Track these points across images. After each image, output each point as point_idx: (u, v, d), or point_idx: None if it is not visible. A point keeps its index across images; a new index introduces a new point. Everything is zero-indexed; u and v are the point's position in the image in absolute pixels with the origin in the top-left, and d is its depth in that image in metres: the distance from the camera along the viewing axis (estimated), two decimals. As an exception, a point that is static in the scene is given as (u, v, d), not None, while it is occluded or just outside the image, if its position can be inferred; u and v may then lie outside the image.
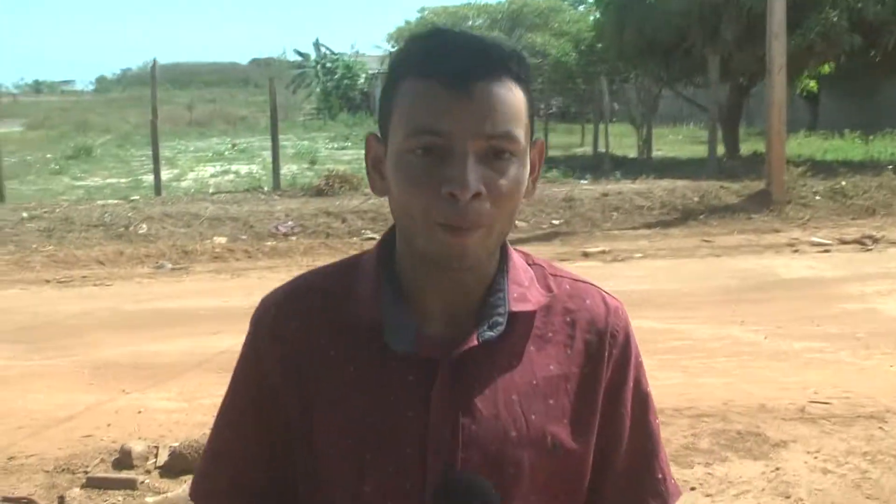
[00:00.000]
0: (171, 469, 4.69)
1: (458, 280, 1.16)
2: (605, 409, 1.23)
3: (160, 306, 8.55)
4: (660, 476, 1.29)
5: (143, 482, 4.57)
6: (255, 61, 75.28)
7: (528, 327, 1.20)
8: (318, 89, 44.64)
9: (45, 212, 12.45)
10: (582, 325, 1.23)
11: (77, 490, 4.52)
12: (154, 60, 17.62)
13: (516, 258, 1.24)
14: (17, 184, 17.82)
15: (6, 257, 10.61)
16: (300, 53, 47.47)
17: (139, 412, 5.58)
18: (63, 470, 4.78)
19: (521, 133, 1.11)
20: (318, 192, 14.14)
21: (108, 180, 19.18)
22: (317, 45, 46.31)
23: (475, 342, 1.15)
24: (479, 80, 1.07)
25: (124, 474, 4.66)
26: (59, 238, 11.28)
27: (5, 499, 4.48)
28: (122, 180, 18.88)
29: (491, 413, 1.15)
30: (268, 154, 16.16)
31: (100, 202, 13.93)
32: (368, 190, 11.55)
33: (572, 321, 1.23)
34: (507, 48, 1.13)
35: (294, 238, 12.02)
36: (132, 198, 14.55)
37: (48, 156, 24.99)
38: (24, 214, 12.32)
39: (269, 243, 11.76)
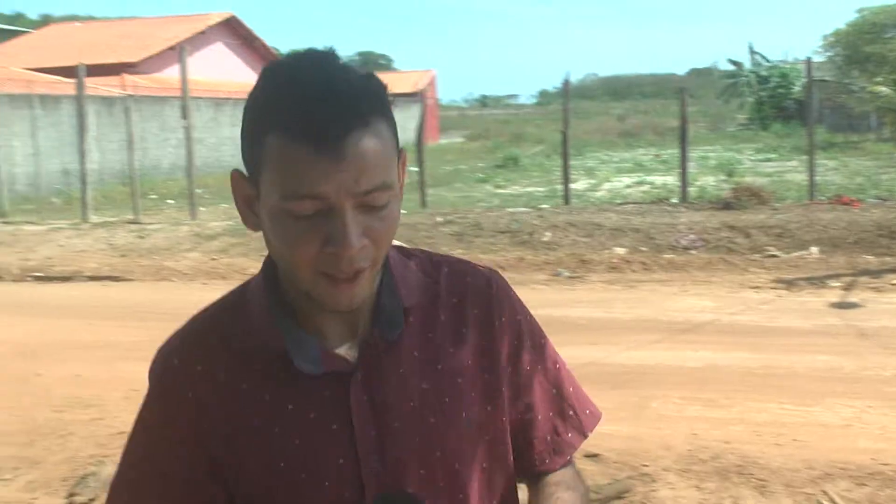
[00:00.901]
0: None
1: None
2: (511, 375, 1.30)
3: (545, 313, 8.59)
4: (571, 413, 1.37)
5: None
6: (693, 71, 74.52)
7: (421, 318, 1.25)
8: (750, 98, 43.10)
9: (459, 217, 13.21)
10: (469, 302, 1.29)
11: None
12: (567, 76, 18.10)
13: (394, 256, 1.26)
14: (446, 190, 19.19)
15: (417, 258, 11.41)
16: (733, 62, 46.31)
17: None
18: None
19: (394, 176, 1.13)
20: (726, 206, 13.52)
21: (527, 189, 20.01)
22: (751, 50, 44.85)
23: (376, 342, 1.21)
24: (347, 135, 1.06)
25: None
26: (468, 242, 11.89)
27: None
28: (540, 189, 19.57)
29: (408, 406, 1.21)
30: (688, 165, 15.83)
31: (509, 209, 14.52)
32: (778, 204, 10.63)
33: (459, 301, 1.29)
34: (367, 86, 1.11)
35: (694, 252, 11.59)
36: (541, 206, 14.98)
37: (479, 164, 26.63)
38: (440, 219, 13.18)
39: (666, 256, 11.44)
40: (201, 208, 16.76)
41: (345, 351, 1.21)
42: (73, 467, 5.09)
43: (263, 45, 39.81)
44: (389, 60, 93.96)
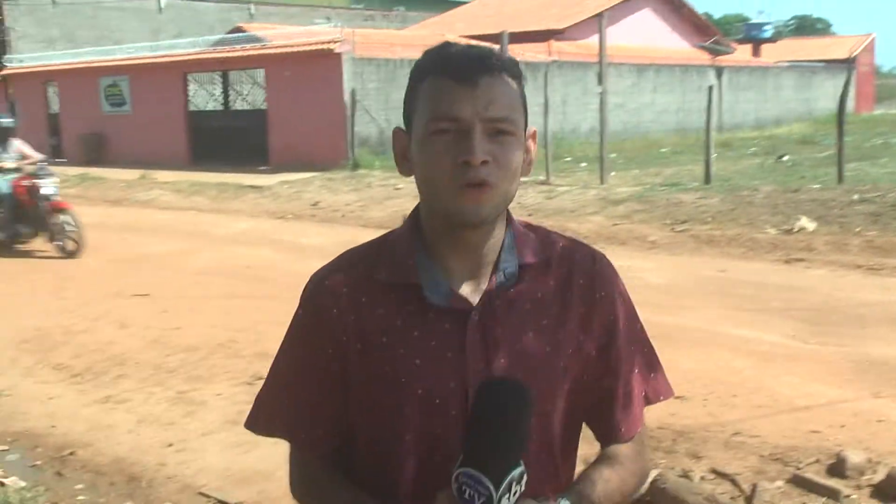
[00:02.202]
0: (884, 491, 4.12)
1: (476, 242, 1.43)
2: (604, 345, 1.50)
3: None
4: (660, 374, 1.59)
5: (848, 496, 4.10)
6: None
7: (535, 278, 1.47)
8: None
9: (878, 195, 11.94)
10: (576, 274, 1.50)
11: (780, 483, 4.28)
12: None
13: (518, 225, 1.51)
14: (869, 165, 17.50)
15: (826, 237, 10.50)
16: None
17: (879, 420, 5.02)
18: (777, 459, 4.57)
19: (517, 118, 1.39)
20: None
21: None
22: None
23: (493, 291, 1.43)
24: (482, 75, 1.36)
25: (833, 482, 4.24)
26: (884, 224, 10.73)
27: (714, 470, 4.47)
28: None
29: (514, 348, 1.43)
30: None
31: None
32: None
33: (568, 271, 1.50)
34: (504, 55, 1.42)
35: None
36: None
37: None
38: (855, 196, 12.01)
39: None
40: (612, 173, 16.84)
41: (468, 293, 1.44)
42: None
43: (691, 11, 38.90)
44: (827, 24, 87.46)
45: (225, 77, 26.11)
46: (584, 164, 20.24)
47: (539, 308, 1.45)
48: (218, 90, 26.70)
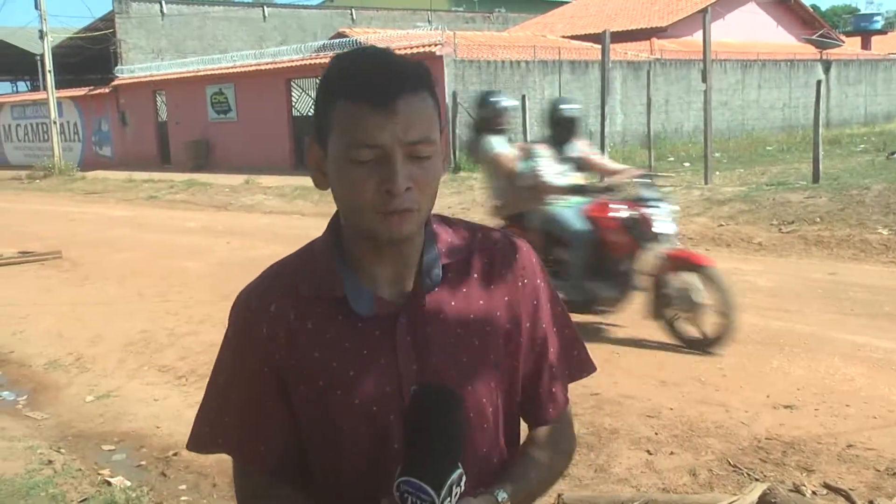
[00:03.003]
0: None
1: (399, 251, 1.43)
2: (530, 330, 1.53)
3: None
4: (583, 353, 1.63)
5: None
6: None
7: (458, 274, 1.48)
8: None
9: None
10: (497, 264, 1.51)
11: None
12: None
13: (436, 224, 1.51)
14: None
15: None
16: None
17: None
18: (894, 474, 4.34)
19: (435, 135, 1.38)
20: None
21: None
22: None
23: (419, 292, 1.44)
24: (398, 97, 1.33)
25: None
26: None
27: (826, 485, 4.28)
28: None
29: (444, 346, 1.44)
30: None
31: None
32: None
33: (490, 262, 1.51)
34: (414, 64, 1.39)
35: None
36: None
37: None
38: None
39: None
40: (716, 172, 16.43)
41: (394, 298, 1.45)
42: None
43: (798, 3, 37.80)
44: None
45: (327, 82, 26.37)
46: (687, 164, 19.82)
47: (465, 303, 1.47)
48: (320, 95, 26.96)
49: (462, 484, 1.31)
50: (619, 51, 24.90)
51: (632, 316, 7.18)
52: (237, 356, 1.50)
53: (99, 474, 4.82)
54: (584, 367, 1.63)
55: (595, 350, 5.93)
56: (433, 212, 1.51)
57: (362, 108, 1.33)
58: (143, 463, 5.03)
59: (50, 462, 4.91)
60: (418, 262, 1.46)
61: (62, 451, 5.19)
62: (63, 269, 11.50)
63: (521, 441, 1.62)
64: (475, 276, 1.50)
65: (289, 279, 1.48)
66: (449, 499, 1.28)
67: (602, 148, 16.79)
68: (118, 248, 13.11)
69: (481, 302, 1.48)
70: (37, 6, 30.09)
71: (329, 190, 1.43)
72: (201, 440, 1.54)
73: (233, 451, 1.53)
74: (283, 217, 16.59)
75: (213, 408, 1.53)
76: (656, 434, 4.99)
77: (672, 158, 21.06)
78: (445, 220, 1.55)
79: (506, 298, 1.50)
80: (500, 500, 1.43)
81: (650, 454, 4.75)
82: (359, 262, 1.45)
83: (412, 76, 1.37)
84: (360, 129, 1.33)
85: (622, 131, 24.50)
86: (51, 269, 11.51)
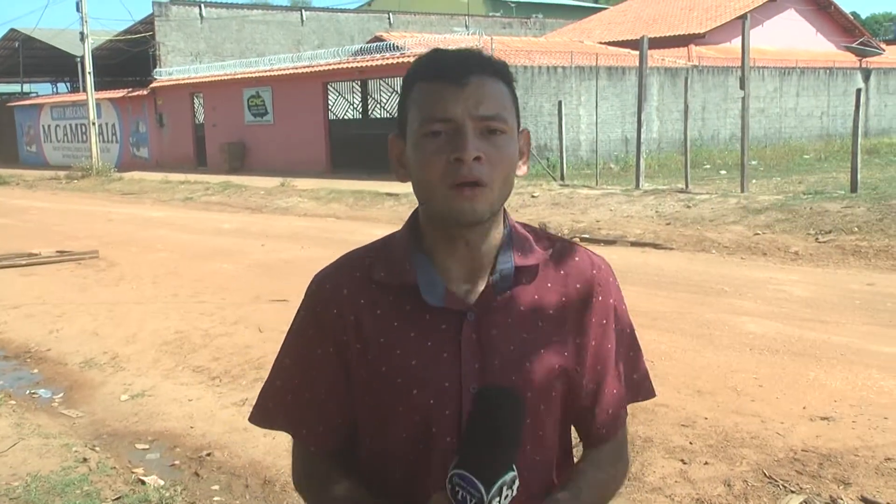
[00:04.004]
0: None
1: (473, 242, 1.44)
2: (595, 347, 1.51)
3: None
4: (645, 377, 1.62)
5: None
6: None
7: (531, 279, 1.48)
8: None
9: None
10: (573, 277, 1.51)
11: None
12: None
13: (517, 225, 1.53)
14: None
15: None
16: None
17: None
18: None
19: (507, 116, 1.41)
20: None
21: None
22: None
23: (490, 292, 1.45)
24: (471, 75, 1.38)
25: None
26: None
27: (863, 498, 4.22)
28: None
29: (508, 349, 1.43)
30: None
31: None
32: None
33: (565, 274, 1.51)
34: (493, 57, 1.44)
35: None
36: None
37: None
38: None
39: None
40: (753, 181, 16.28)
41: (465, 294, 1.46)
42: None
43: (838, 10, 37.39)
44: None
45: (364, 86, 26.57)
46: (723, 172, 19.66)
47: (535, 310, 1.47)
48: (357, 99, 27.20)
49: (514, 488, 1.30)
50: (656, 57, 24.78)
51: (668, 324, 7.13)
52: (305, 336, 1.53)
53: (133, 473, 4.85)
54: (642, 392, 1.62)
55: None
56: (519, 221, 1.55)
57: (436, 85, 1.39)
58: (176, 462, 5.06)
59: (85, 460, 4.95)
60: (493, 260, 1.47)
61: (97, 449, 5.23)
62: (99, 269, 11.62)
63: (573, 457, 1.60)
64: (549, 284, 1.50)
65: (363, 265, 1.50)
66: (498, 499, 1.28)
67: (637, 154, 16.72)
68: (154, 248, 13.22)
69: (551, 312, 1.48)
70: (78, 9, 30.49)
71: (407, 183, 1.47)
72: (263, 415, 1.58)
73: (293, 430, 1.55)
74: (318, 220, 16.67)
75: (278, 385, 1.56)
76: (691, 444, 4.94)
77: (708, 166, 20.89)
78: (528, 227, 1.56)
79: (577, 314, 1.50)
80: None
81: (684, 464, 4.70)
82: (434, 254, 1.47)
83: (487, 63, 1.42)
84: (434, 103, 1.38)
85: (658, 138, 24.35)
86: (87, 269, 11.64)
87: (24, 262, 11.87)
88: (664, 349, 6.68)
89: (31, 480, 4.66)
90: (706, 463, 4.69)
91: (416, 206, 1.51)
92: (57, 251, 12.55)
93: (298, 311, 1.55)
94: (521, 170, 1.47)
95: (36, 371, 7.13)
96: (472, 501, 1.27)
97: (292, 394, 1.53)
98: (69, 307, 9.20)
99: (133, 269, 11.45)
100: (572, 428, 1.60)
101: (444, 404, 1.42)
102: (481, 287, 1.46)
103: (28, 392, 6.56)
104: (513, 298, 1.46)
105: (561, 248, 1.54)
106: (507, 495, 1.29)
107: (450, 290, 1.45)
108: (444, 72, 1.39)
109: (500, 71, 1.43)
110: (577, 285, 1.51)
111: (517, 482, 1.30)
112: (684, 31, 30.81)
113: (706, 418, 5.27)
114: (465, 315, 1.44)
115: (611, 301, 1.54)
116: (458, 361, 1.42)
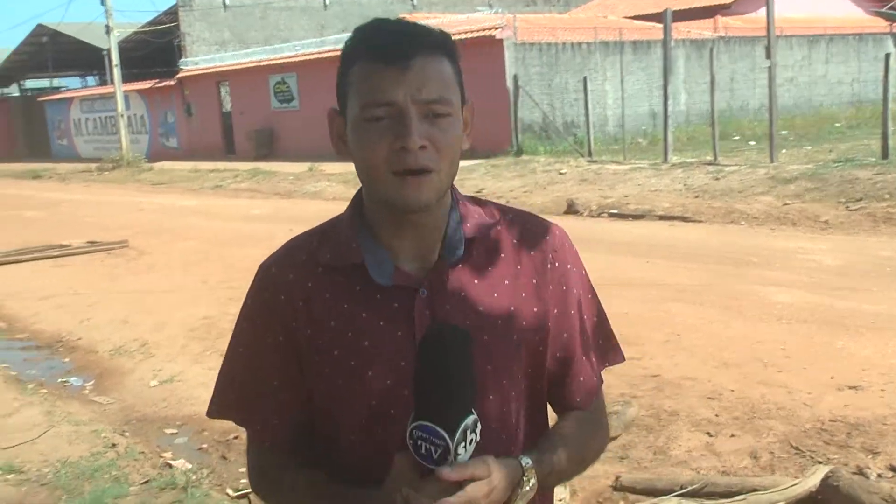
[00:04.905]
0: None
1: (420, 222, 1.39)
2: (557, 316, 1.47)
3: None
4: (612, 342, 1.58)
5: None
6: None
7: (484, 251, 1.44)
8: None
9: None
10: (526, 245, 1.47)
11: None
12: None
13: (465, 199, 1.48)
14: None
15: None
16: None
17: None
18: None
19: (451, 97, 1.36)
20: None
21: None
22: None
23: (442, 266, 1.40)
24: (413, 56, 1.32)
25: None
26: None
27: (891, 467, 4.17)
28: None
29: (465, 323, 1.34)
30: None
31: None
32: None
33: (519, 242, 1.47)
34: (435, 30, 1.38)
35: None
36: None
37: None
38: None
39: None
40: (782, 150, 16.10)
41: (414, 271, 1.41)
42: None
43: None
44: None
45: (387, 69, 26.43)
46: (752, 143, 19.45)
47: (489, 282, 1.43)
48: (382, 82, 27.00)
49: (477, 432, 1.26)
50: (681, 29, 24.50)
51: (695, 296, 7.08)
52: (254, 325, 1.48)
53: (161, 457, 4.91)
54: (610, 357, 1.58)
55: (656, 332, 5.88)
56: (466, 193, 1.49)
57: (376, 66, 1.32)
58: (204, 446, 5.11)
59: (114, 445, 5.01)
60: (442, 237, 1.43)
61: (126, 434, 5.30)
62: (129, 258, 11.73)
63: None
64: (502, 255, 1.45)
65: (309, 249, 1.46)
66: (463, 444, 1.24)
67: (665, 128, 16.57)
68: (184, 236, 13.32)
69: (506, 281, 1.43)
70: (102, 2, 30.67)
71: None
72: (216, 407, 1.53)
73: (247, 424, 1.51)
74: (346, 203, 16.57)
75: (230, 377, 1.52)
76: (717, 416, 4.91)
77: (737, 137, 20.67)
78: (475, 199, 1.52)
79: (534, 280, 1.45)
80: (523, 465, 1.35)
81: (710, 436, 4.67)
82: (380, 235, 1.42)
83: (429, 40, 1.35)
84: (374, 87, 1.32)
85: (686, 111, 24.09)
86: (117, 259, 11.76)
87: (56, 254, 12.01)
88: (691, 322, 6.63)
89: (60, 466, 4.73)
90: (732, 435, 4.66)
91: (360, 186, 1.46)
92: (87, 242, 12.68)
93: (246, 299, 1.50)
94: (466, 144, 1.41)
95: (67, 360, 7.23)
96: (437, 452, 1.22)
97: (244, 385, 1.49)
98: (100, 296, 9.31)
99: (163, 258, 11.55)
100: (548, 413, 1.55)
101: (401, 384, 1.35)
102: (432, 263, 1.41)
103: (60, 380, 6.65)
104: (465, 271, 1.41)
105: (513, 218, 1.50)
106: (471, 439, 1.25)
107: (399, 267, 1.40)
108: (384, 52, 1.32)
109: (442, 45, 1.37)
110: (532, 252, 1.46)
111: (479, 425, 1.26)
112: (710, 2, 30.36)
113: (732, 390, 5.24)
114: (418, 292, 1.39)
115: (568, 266, 1.49)
116: (414, 339, 1.36)
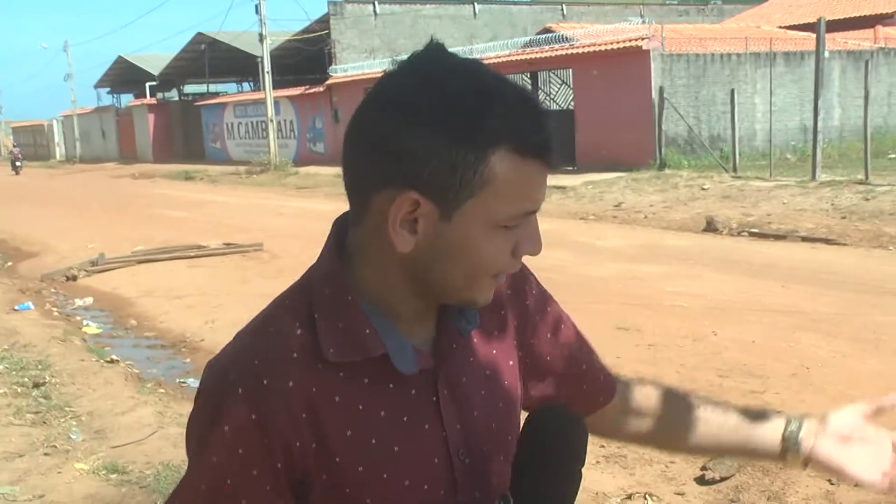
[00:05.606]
0: None
1: None
2: (547, 335, 1.36)
3: None
4: (603, 366, 1.45)
5: None
6: None
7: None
8: None
9: None
10: (501, 288, 1.27)
11: None
12: None
13: None
14: None
15: None
16: None
17: None
18: None
19: None
20: None
21: None
22: None
23: (453, 334, 1.21)
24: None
25: None
26: None
27: None
28: None
29: (481, 395, 1.23)
30: None
31: None
32: None
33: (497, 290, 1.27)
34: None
35: None
36: None
37: None
38: None
39: None
40: (945, 170, 15.11)
41: (422, 343, 1.20)
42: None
43: None
44: None
45: (534, 78, 26.39)
46: (911, 162, 18.34)
47: (485, 337, 1.29)
48: (526, 91, 26.87)
49: None
50: (838, 40, 23.39)
51: (830, 327, 6.63)
52: (232, 455, 1.13)
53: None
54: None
55: (783, 363, 5.50)
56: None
57: (537, 169, 1.10)
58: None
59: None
60: None
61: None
62: (262, 261, 11.98)
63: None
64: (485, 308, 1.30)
65: (297, 340, 1.15)
66: None
67: (814, 144, 15.80)
68: (317, 241, 13.37)
69: (497, 332, 1.30)
70: (257, 11, 31.73)
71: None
72: None
73: None
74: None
75: None
76: (841, 461, 4.52)
77: (893, 155, 19.52)
78: None
79: (515, 321, 1.34)
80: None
81: (832, 485, 4.30)
82: (399, 318, 1.18)
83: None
84: (534, 192, 1.11)
85: (839, 126, 22.96)
86: (251, 261, 12.02)
87: (192, 254, 12.38)
88: (822, 354, 6.18)
89: (162, 469, 4.76)
90: (857, 486, 4.26)
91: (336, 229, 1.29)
92: (224, 244, 13.03)
93: (219, 428, 1.13)
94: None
95: (188, 360, 7.38)
96: None
97: None
98: (227, 298, 9.50)
99: (293, 261, 11.69)
100: None
101: (437, 485, 1.19)
102: (431, 326, 1.21)
103: (178, 381, 6.78)
104: (469, 335, 1.26)
105: None
106: None
107: (416, 348, 1.19)
108: (544, 149, 1.09)
109: None
110: (508, 293, 1.33)
111: None
112: (870, 12, 28.94)
113: (861, 433, 4.82)
114: (435, 373, 1.20)
115: (541, 296, 1.39)
116: (441, 429, 1.19)
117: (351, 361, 1.14)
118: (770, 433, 1.41)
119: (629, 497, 4.35)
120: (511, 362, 1.30)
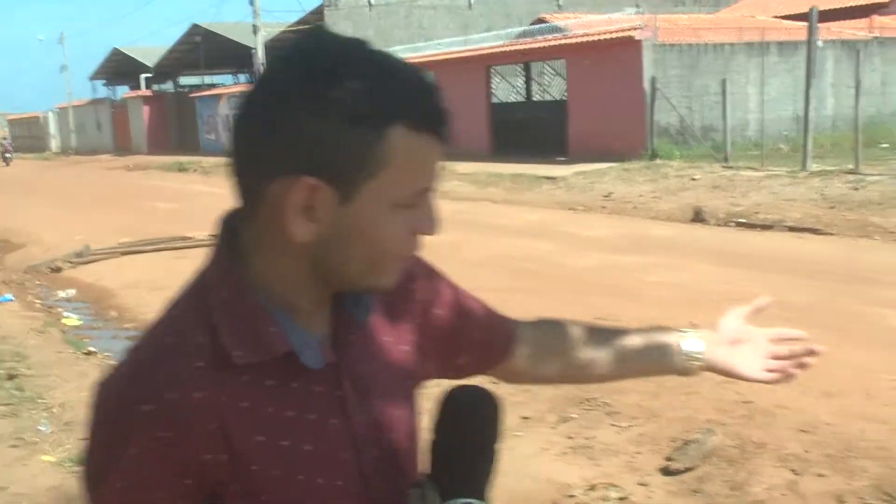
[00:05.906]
0: None
1: None
2: (441, 312, 1.31)
3: None
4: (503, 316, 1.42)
5: None
6: None
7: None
8: None
9: None
10: None
11: None
12: None
13: None
14: None
15: None
16: None
17: None
18: None
19: None
20: None
21: None
22: None
23: (350, 321, 1.16)
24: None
25: None
26: None
27: None
28: None
29: (381, 383, 1.19)
30: None
31: None
32: None
33: None
34: None
35: None
36: None
37: None
38: None
39: None
40: (935, 160, 15.08)
41: (322, 335, 1.14)
42: (686, 428, 4.87)
43: None
44: None
45: (527, 68, 26.33)
46: (904, 152, 18.30)
47: (378, 325, 1.22)
48: (520, 82, 26.94)
49: None
50: (833, 29, 23.32)
51: (805, 316, 6.61)
52: (143, 476, 1.06)
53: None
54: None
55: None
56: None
57: (432, 145, 1.06)
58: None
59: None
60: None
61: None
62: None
63: None
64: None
65: (200, 348, 1.08)
66: None
67: (805, 133, 15.76)
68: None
69: (390, 318, 1.24)
70: (251, 2, 31.63)
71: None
72: None
73: None
74: (472, 204, 16.60)
75: None
76: (806, 452, 4.51)
77: (886, 145, 19.45)
78: None
79: (408, 306, 1.28)
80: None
81: (796, 474, 4.29)
82: (297, 309, 1.12)
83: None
84: (428, 170, 1.07)
85: (832, 116, 22.89)
86: (237, 253, 11.99)
87: (178, 246, 12.37)
88: (797, 345, 6.17)
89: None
90: (820, 475, 4.26)
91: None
92: (209, 235, 12.97)
93: (118, 444, 1.05)
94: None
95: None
96: None
97: None
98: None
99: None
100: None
101: (350, 478, 1.14)
102: (328, 320, 1.15)
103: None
104: (365, 322, 1.19)
105: None
106: None
107: (321, 342, 1.13)
108: (438, 124, 1.06)
109: None
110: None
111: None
112: (866, 1, 28.85)
113: (829, 423, 4.82)
114: (337, 365, 1.13)
115: (425, 275, 1.32)
116: (348, 422, 1.13)
117: (256, 363, 1.07)
118: (674, 349, 1.46)
119: (592, 488, 4.34)
120: (406, 347, 1.25)
